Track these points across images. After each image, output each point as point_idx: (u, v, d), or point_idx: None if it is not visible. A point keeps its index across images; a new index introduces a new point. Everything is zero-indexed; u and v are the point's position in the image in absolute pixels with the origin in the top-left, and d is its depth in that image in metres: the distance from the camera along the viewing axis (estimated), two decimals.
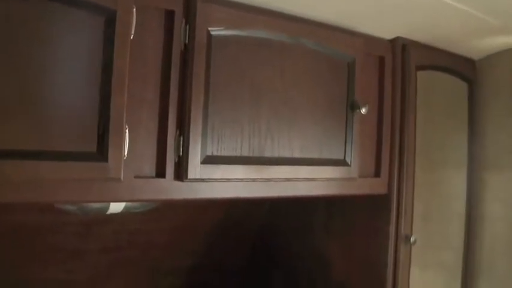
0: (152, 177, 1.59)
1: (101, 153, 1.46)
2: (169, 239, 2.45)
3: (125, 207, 1.82)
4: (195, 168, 1.62)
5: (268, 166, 1.77)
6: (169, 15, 1.61)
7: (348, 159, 1.96)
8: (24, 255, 2.15)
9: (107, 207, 1.78)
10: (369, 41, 2.08)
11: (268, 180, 1.78)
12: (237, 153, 1.71)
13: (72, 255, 2.26)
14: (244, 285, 2.81)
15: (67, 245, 2.21)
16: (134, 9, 1.50)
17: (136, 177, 1.55)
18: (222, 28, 1.66)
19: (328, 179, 1.93)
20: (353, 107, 1.96)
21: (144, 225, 2.30)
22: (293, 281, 2.53)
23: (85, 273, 2.35)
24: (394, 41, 2.20)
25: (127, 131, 1.49)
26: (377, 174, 2.12)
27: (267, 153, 1.77)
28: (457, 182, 2.66)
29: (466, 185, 2.66)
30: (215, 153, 1.66)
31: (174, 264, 2.59)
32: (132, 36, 1.50)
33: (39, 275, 2.25)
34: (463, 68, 2.51)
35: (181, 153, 1.61)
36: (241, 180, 1.73)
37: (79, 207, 1.77)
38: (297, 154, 1.84)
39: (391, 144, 2.14)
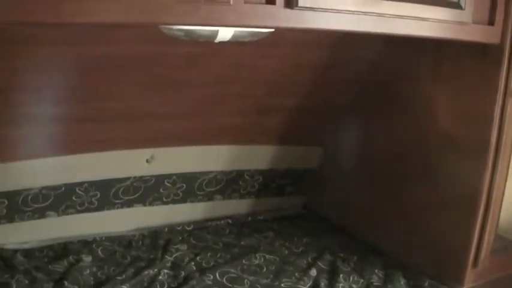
0: (262, 3, 1.55)
1: None
2: (275, 77, 2.46)
3: (233, 36, 1.80)
4: None
5: (381, 0, 1.70)
6: None
7: (461, 2, 1.87)
8: (131, 86, 2.23)
9: (216, 34, 1.77)
10: None
11: (380, 15, 1.72)
12: None
13: (176, 88, 2.32)
14: (349, 126, 2.86)
15: (172, 77, 2.26)
16: None
17: (246, 2, 1.52)
18: None
19: (440, 21, 1.84)
20: None
21: (251, 60, 2.30)
22: (398, 125, 2.56)
23: (188, 106, 2.43)
24: None
25: None
26: (491, 22, 2.00)
27: None
28: None
29: None
30: None
31: (278, 102, 2.62)
32: None
33: (142, 107, 2.34)
34: None
35: None
36: (352, 12, 1.67)
37: (187, 33, 1.76)
38: None
39: None
